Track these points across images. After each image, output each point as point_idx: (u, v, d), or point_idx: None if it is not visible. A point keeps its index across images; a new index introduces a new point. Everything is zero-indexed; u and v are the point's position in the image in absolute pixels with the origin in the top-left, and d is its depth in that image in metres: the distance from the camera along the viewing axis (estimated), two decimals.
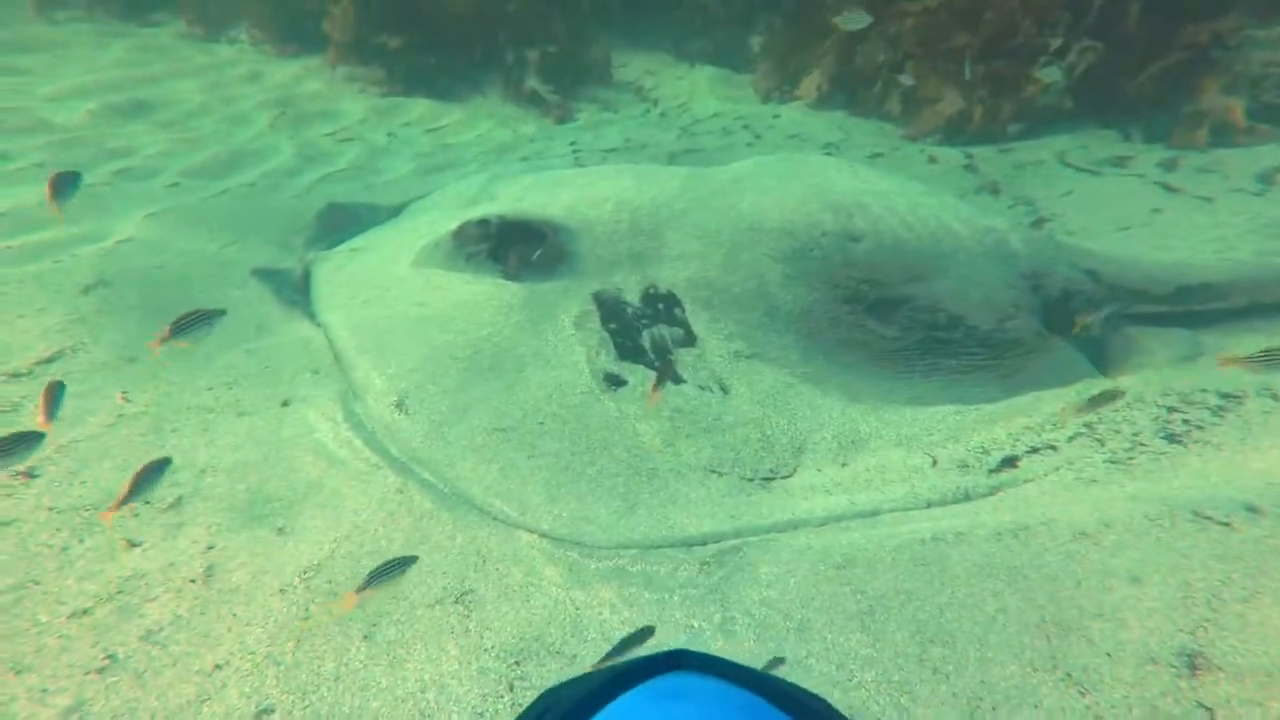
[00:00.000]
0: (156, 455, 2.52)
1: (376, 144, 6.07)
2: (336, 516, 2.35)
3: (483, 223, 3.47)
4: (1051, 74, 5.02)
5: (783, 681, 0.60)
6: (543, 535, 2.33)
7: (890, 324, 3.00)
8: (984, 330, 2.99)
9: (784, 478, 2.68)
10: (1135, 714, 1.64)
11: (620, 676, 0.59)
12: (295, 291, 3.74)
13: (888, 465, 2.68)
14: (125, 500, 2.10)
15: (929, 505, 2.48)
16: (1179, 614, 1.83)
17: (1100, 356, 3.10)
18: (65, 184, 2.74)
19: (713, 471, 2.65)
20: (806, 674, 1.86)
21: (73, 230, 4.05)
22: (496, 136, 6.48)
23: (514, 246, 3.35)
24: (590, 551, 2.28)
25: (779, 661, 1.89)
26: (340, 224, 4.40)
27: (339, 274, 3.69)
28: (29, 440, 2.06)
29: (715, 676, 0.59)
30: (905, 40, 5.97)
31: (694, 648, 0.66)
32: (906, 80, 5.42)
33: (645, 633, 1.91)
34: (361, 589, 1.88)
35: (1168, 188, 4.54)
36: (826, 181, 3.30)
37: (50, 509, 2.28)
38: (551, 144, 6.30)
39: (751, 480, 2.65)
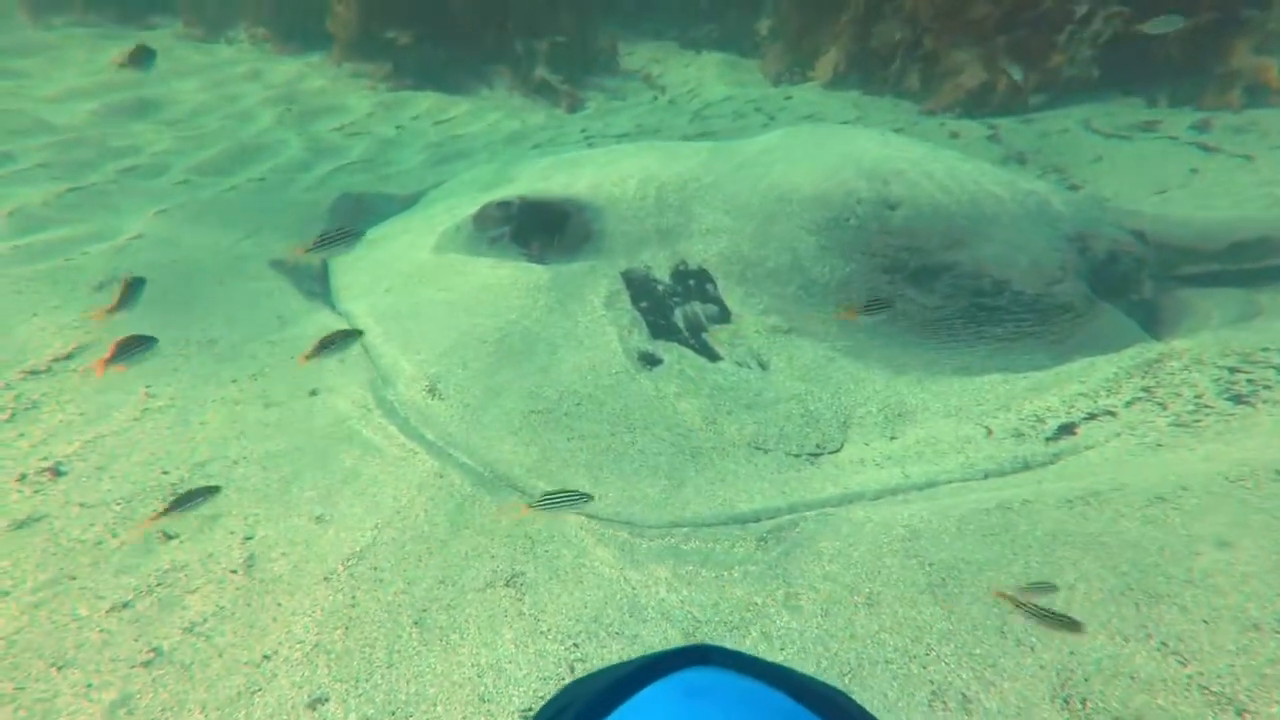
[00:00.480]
0: (185, 448, 2.45)
1: (386, 137, 6.00)
2: (376, 503, 2.28)
3: (504, 205, 3.40)
4: (1015, 73, 5.00)
5: (806, 677, 0.59)
6: (590, 516, 2.26)
7: (932, 292, 2.91)
8: (1030, 295, 2.90)
9: (831, 452, 2.60)
10: (1243, 684, 1.56)
11: (644, 669, 0.58)
12: (315, 282, 3.67)
13: (938, 437, 2.60)
14: (164, 514, 2.04)
15: (986, 476, 2.40)
16: (1278, 578, 1.74)
17: (1151, 320, 3.01)
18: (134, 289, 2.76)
19: (758, 448, 2.57)
20: (880, 648, 1.79)
21: (81, 228, 3.99)
22: (506, 126, 6.40)
23: (537, 228, 3.28)
24: (640, 531, 2.20)
25: (1048, 587, 1.82)
26: (355, 214, 4.32)
27: (359, 263, 3.62)
28: None
29: (739, 672, 0.59)
30: (922, 14, 5.86)
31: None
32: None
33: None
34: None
35: (1204, 148, 4.42)
36: (858, 149, 3.21)
37: (80, 504, 2.20)
38: (563, 131, 6.22)
39: (798, 456, 2.57)
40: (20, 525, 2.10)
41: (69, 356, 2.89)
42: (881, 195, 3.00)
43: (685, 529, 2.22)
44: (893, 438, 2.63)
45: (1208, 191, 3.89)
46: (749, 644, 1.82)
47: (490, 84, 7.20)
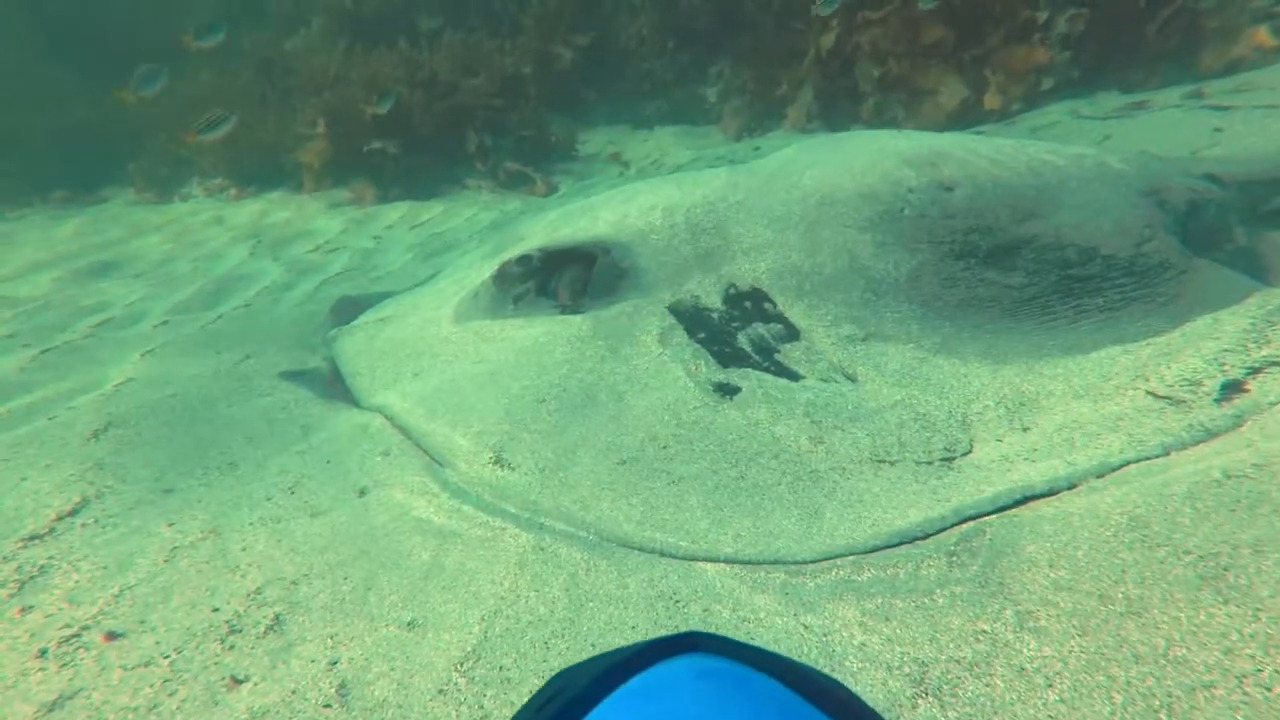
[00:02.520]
0: (233, 579, 2.12)
1: (365, 248, 5.93)
2: (473, 593, 1.95)
3: (524, 259, 3.25)
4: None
5: (796, 664, 0.58)
6: (728, 561, 1.96)
7: (1013, 271, 2.75)
8: (1124, 258, 2.76)
9: (964, 454, 2.35)
10: None
11: (633, 658, 0.58)
12: (329, 387, 3.42)
13: (1080, 420, 2.36)
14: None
15: (1166, 451, 2.15)
16: None
17: (1255, 268, 2.88)
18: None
19: (882, 461, 2.31)
20: (1187, 670, 1.46)
21: (62, 385, 3.72)
22: (485, 217, 6.41)
23: (564, 277, 3.12)
24: (797, 569, 1.90)
25: None
26: (355, 316, 4.14)
27: (373, 347, 3.39)
28: None
29: (729, 658, 0.58)
30: (882, 46, 6.17)
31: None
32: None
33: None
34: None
35: (1217, 108, 4.48)
36: (885, 143, 3.18)
37: (122, 668, 1.83)
38: (545, 213, 6.24)
39: (929, 463, 2.31)
40: (52, 708, 1.72)
41: (74, 512, 2.55)
42: (934, 179, 2.92)
43: (848, 558, 1.92)
44: (1025, 429, 2.39)
45: (1243, 144, 3.88)
46: (1000, 683, 1.50)
47: (460, 184, 7.31)
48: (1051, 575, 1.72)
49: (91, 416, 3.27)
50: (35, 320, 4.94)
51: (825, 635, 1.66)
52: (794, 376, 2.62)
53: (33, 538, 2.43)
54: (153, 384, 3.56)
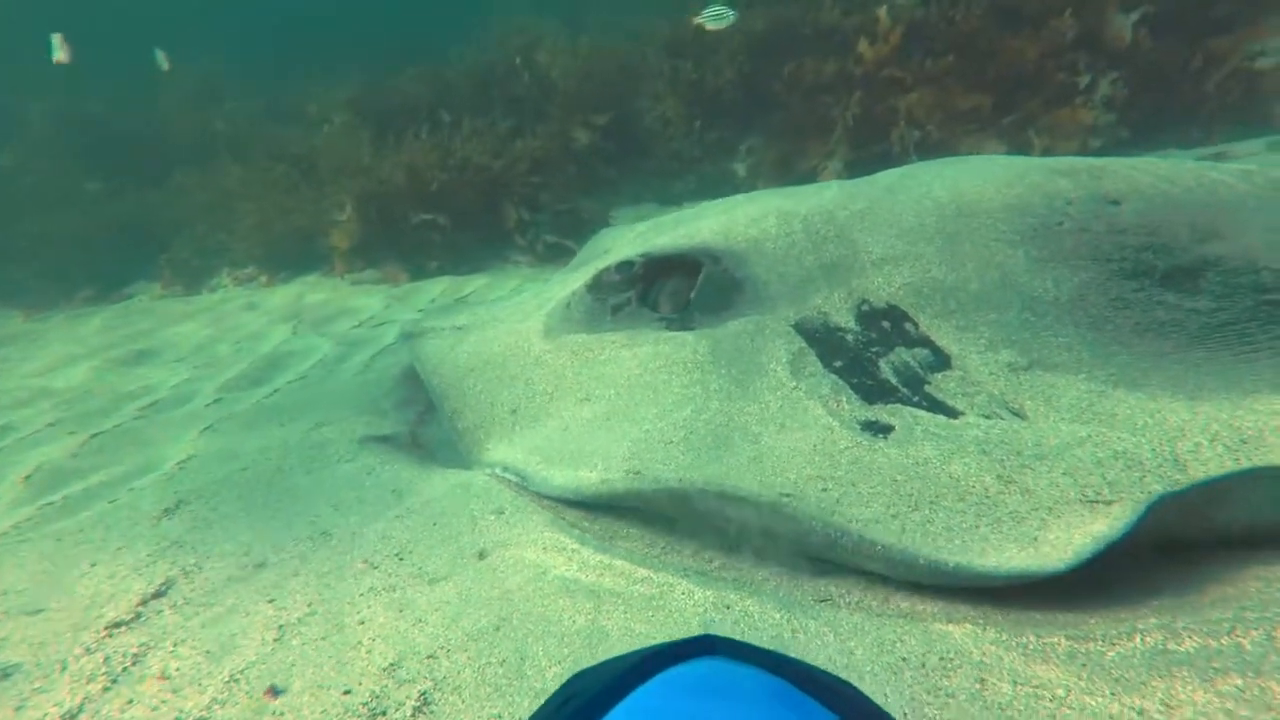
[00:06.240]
0: (359, 655, 1.87)
1: (414, 320, 5.86)
2: None
3: (624, 265, 3.04)
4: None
5: (811, 667, 0.60)
6: (982, 625, 1.68)
7: (1198, 295, 2.55)
8: None
9: None
10: None
11: (647, 660, 0.59)
12: (415, 449, 3.23)
13: None
14: None
15: None
16: None
17: None
18: None
19: (1095, 502, 2.07)
20: None
21: (118, 469, 3.54)
22: (529, 289, 6.40)
23: (667, 288, 2.94)
24: (1083, 635, 1.61)
25: None
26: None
27: (455, 359, 3.22)
28: None
29: (745, 662, 0.60)
30: (917, 114, 6.37)
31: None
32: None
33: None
34: None
35: None
36: (1022, 160, 3.08)
37: None
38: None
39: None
40: None
41: (159, 594, 2.31)
42: (1097, 191, 2.79)
43: (1151, 620, 1.62)
44: None
45: None
46: None
47: (502, 258, 7.37)
48: None
49: (158, 496, 3.07)
50: (77, 408, 4.80)
51: None
52: (951, 412, 2.42)
53: (116, 624, 2.18)
54: (218, 460, 3.38)
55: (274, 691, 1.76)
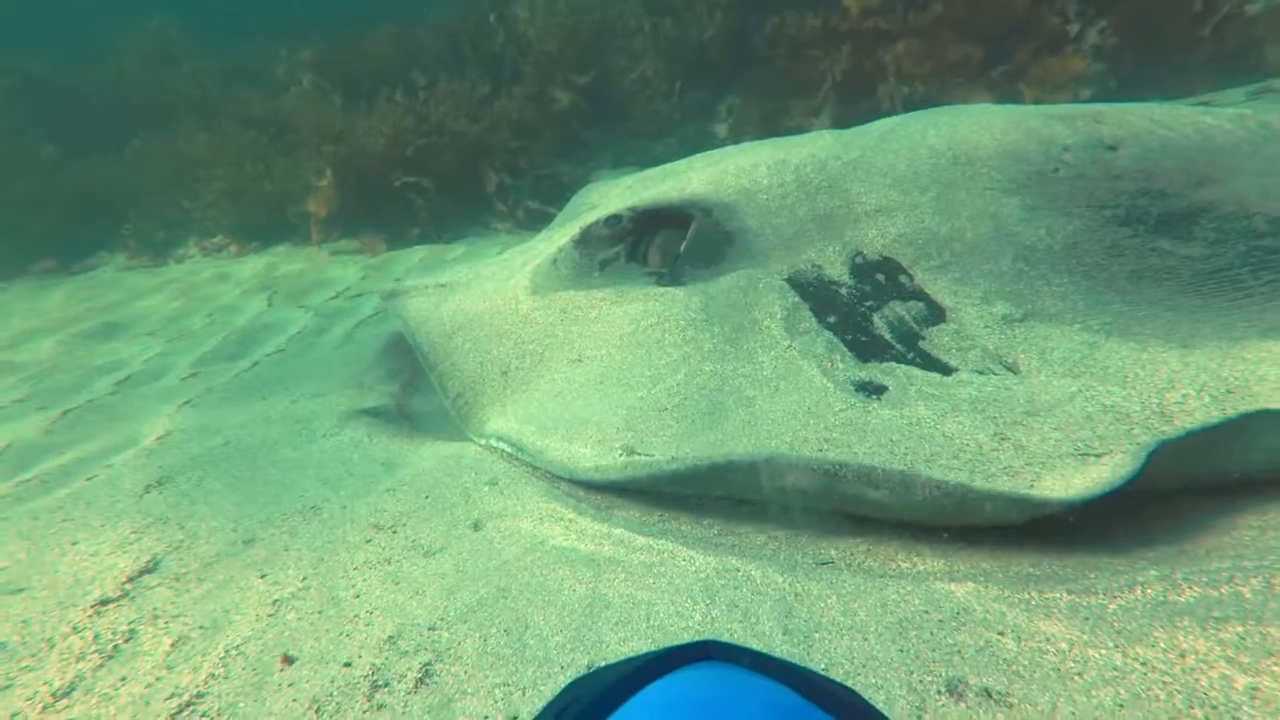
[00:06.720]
0: (357, 628, 1.85)
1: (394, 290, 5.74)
2: (656, 627, 1.71)
3: (612, 219, 2.97)
4: None
5: (811, 673, 0.60)
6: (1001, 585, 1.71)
7: (1192, 241, 2.56)
8: None
9: None
10: None
11: (646, 666, 0.59)
12: (403, 421, 3.18)
13: None
14: None
15: None
16: None
17: None
18: None
19: (1087, 454, 2.10)
20: None
21: (94, 445, 3.44)
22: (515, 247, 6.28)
23: (657, 241, 2.88)
24: (1086, 588, 1.63)
25: None
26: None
27: (439, 315, 3.17)
28: None
29: (743, 667, 0.60)
30: (905, 65, 6.27)
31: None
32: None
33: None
34: None
35: None
36: (1019, 107, 3.03)
37: None
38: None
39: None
40: None
41: (147, 571, 2.26)
42: (1093, 136, 2.77)
43: (1151, 572, 1.65)
44: None
45: None
46: None
47: (482, 224, 7.22)
48: None
49: (139, 472, 2.99)
50: (46, 383, 4.65)
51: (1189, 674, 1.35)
52: (945, 369, 2.43)
53: (104, 602, 2.14)
54: (199, 434, 3.30)
55: (288, 659, 1.74)
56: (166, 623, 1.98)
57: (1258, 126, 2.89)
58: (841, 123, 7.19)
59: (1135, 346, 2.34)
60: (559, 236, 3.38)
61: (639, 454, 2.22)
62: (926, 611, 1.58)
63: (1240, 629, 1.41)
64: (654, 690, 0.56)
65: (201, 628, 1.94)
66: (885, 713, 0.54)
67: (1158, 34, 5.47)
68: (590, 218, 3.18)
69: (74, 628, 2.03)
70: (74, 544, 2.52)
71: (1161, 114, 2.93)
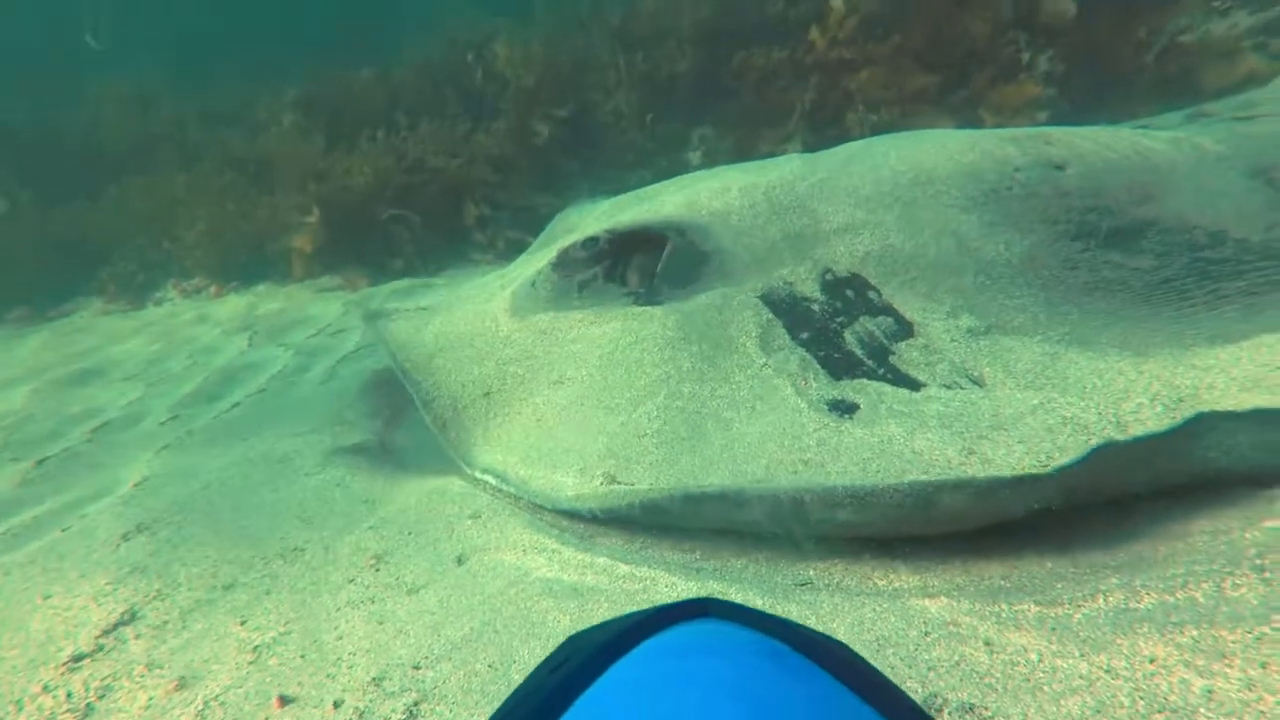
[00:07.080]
0: (341, 670, 1.84)
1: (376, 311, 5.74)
2: None
3: (589, 242, 3.02)
4: None
5: (806, 629, 0.61)
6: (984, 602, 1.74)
7: (1140, 254, 2.68)
8: (1256, 241, 2.70)
9: None
10: None
11: (644, 622, 0.60)
12: (386, 457, 3.18)
13: None
14: None
15: None
16: None
17: None
18: None
19: (1046, 465, 2.15)
20: None
21: (68, 495, 3.39)
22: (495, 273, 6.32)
23: (634, 263, 2.94)
24: (1051, 600, 1.66)
25: None
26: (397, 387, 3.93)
27: (422, 339, 3.18)
28: None
29: (740, 624, 0.61)
30: (868, 93, 6.46)
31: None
32: None
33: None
34: None
35: (1240, 119, 4.52)
36: (974, 131, 3.16)
37: None
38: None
39: None
40: None
41: (122, 623, 2.23)
42: (1042, 156, 2.89)
43: (1113, 580, 1.69)
44: None
45: None
46: None
47: (464, 256, 7.26)
48: None
49: (116, 520, 2.95)
50: (20, 433, 4.58)
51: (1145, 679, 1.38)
52: (914, 385, 2.49)
53: (78, 658, 2.10)
54: (178, 479, 3.26)
55: (284, 700, 1.72)
56: (143, 676, 1.95)
57: (1190, 149, 3.04)
58: (812, 149, 7.36)
59: (1093, 355, 2.41)
60: (537, 260, 3.44)
61: (620, 482, 2.24)
62: (902, 628, 1.60)
63: (1195, 633, 1.45)
64: (654, 643, 0.57)
65: (178, 680, 1.90)
66: None
67: (1106, 61, 5.70)
68: (567, 241, 3.24)
69: (44, 686, 1.99)
70: (47, 598, 2.48)
71: (1106, 136, 3.08)
